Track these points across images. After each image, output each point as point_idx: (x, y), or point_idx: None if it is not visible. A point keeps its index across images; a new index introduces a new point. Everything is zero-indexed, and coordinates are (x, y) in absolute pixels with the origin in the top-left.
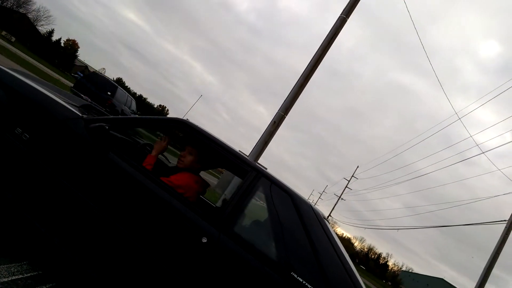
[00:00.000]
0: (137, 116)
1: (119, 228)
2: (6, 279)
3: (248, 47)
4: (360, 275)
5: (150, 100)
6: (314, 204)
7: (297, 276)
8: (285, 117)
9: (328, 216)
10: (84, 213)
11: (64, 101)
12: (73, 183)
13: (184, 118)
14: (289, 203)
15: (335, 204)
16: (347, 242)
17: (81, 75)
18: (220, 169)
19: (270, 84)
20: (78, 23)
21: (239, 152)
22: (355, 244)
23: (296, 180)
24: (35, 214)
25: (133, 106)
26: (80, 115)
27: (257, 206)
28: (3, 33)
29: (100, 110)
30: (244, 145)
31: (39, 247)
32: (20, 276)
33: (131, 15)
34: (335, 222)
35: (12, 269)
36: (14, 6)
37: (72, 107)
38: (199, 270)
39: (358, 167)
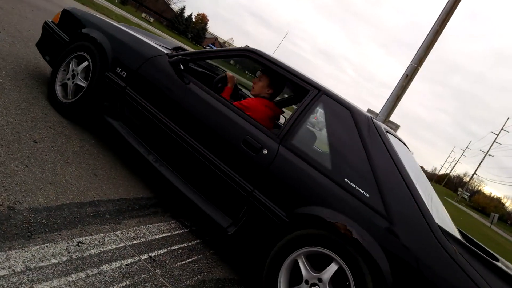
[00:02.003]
0: (212, 49)
1: (199, 147)
2: (157, 236)
3: None
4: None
5: None
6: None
7: (350, 182)
8: (418, 69)
9: (473, 175)
10: (169, 135)
11: (155, 43)
12: (161, 111)
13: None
14: (348, 117)
15: (481, 161)
16: (496, 202)
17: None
18: None
19: (399, 35)
20: None
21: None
22: (507, 205)
23: (434, 137)
24: (133, 137)
25: None
26: (165, 52)
27: (317, 122)
28: (143, 15)
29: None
30: (373, 103)
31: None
32: (169, 233)
33: None
34: (481, 181)
35: (162, 227)
36: None
37: (161, 47)
38: (260, 178)
39: (508, 118)
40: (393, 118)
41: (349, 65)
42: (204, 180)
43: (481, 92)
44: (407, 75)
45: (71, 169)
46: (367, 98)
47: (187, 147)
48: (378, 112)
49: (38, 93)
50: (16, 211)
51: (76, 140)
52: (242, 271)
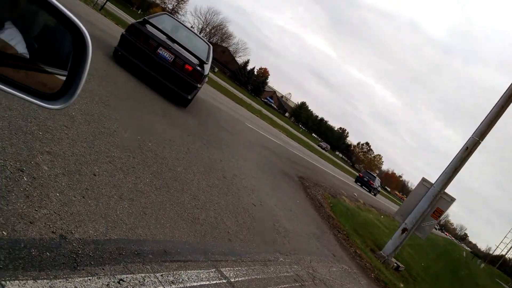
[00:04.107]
0: None
1: None
2: (195, 284)
3: (437, 67)
4: None
5: (331, 122)
6: None
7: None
8: (480, 143)
9: None
10: None
11: None
12: None
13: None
14: None
15: None
16: None
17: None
18: (399, 194)
19: (460, 106)
20: (269, 53)
21: None
22: None
23: (490, 214)
24: None
25: (377, 182)
26: None
27: None
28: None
29: None
30: (428, 172)
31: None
32: (207, 282)
33: (318, 42)
34: None
35: (201, 275)
36: (219, 41)
37: None
38: None
39: None
40: (449, 189)
41: (405, 131)
42: None
43: None
44: (467, 147)
45: (123, 205)
46: (423, 167)
47: None
48: (433, 183)
49: (105, 128)
50: (66, 240)
51: (132, 177)
52: None
